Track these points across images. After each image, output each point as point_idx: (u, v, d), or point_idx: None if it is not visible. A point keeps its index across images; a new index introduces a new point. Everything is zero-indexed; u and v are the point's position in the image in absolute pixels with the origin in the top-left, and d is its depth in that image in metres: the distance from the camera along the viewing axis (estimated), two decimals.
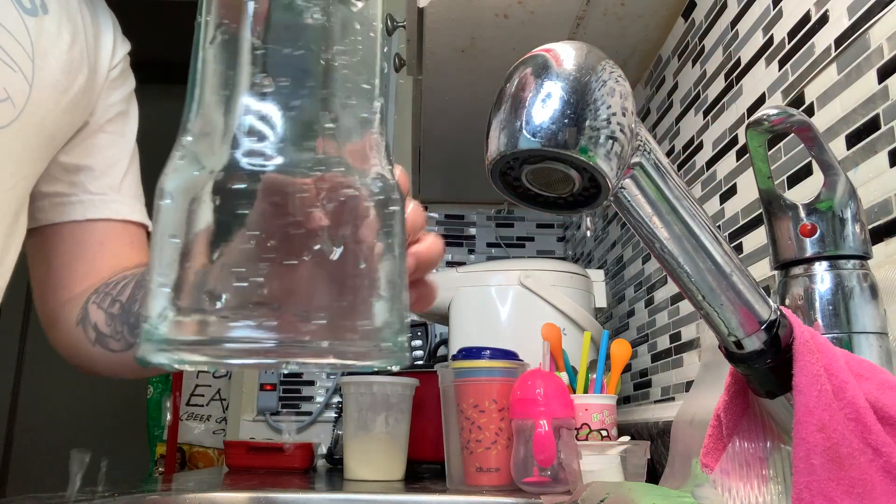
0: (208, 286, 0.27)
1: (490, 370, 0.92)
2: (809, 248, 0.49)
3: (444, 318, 1.20)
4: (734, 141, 0.86)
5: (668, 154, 1.08)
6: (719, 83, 0.90)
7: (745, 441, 0.47)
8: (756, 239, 0.79)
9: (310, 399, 1.87)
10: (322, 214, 0.28)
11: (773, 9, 0.77)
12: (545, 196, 0.39)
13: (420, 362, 1.46)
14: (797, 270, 0.49)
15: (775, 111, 0.49)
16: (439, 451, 0.98)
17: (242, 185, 0.27)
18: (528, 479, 0.83)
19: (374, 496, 0.85)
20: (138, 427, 2.71)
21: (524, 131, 0.34)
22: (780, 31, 0.75)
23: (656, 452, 0.89)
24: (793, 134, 0.51)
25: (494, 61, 1.17)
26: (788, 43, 0.73)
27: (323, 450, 1.39)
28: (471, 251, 2.01)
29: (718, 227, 0.83)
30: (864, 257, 0.48)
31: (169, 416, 2.40)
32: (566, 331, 1.05)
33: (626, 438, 0.83)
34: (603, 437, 0.87)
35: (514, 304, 1.11)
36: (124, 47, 0.75)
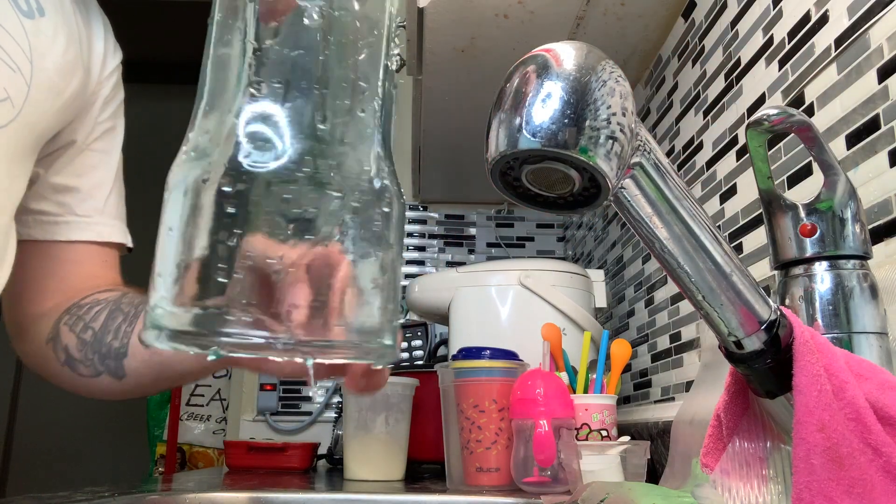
0: (208, 279, 0.28)
1: (490, 370, 0.92)
2: (809, 248, 0.49)
3: (444, 318, 1.20)
4: (734, 141, 0.86)
5: (668, 154, 1.08)
6: (719, 83, 0.90)
7: (745, 441, 0.47)
8: (756, 239, 0.79)
9: (310, 399, 1.87)
10: (319, 215, 0.28)
11: (773, 9, 0.77)
12: (545, 196, 0.39)
13: (420, 362, 1.46)
14: (797, 270, 0.49)
15: (775, 111, 0.49)
16: (439, 451, 0.98)
17: (245, 183, 0.28)
18: (528, 479, 0.83)
19: (374, 496, 0.85)
20: (138, 427, 2.71)
21: (524, 131, 0.34)
22: (780, 31, 0.75)
23: (656, 452, 0.89)
24: (793, 134, 0.51)
25: (494, 61, 1.17)
26: (788, 43, 0.73)
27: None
28: (471, 251, 2.01)
29: (718, 227, 0.83)
30: (864, 257, 0.48)
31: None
32: (566, 331, 1.05)
33: (626, 438, 0.83)
34: (603, 437, 0.87)
35: (514, 304, 1.11)
36: (116, 56, 0.75)
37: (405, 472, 1.06)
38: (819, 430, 0.40)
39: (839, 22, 0.64)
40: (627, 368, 1.23)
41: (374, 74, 0.32)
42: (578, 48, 0.36)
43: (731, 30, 0.87)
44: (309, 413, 1.85)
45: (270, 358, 0.27)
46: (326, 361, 0.28)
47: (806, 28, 0.70)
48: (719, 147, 0.90)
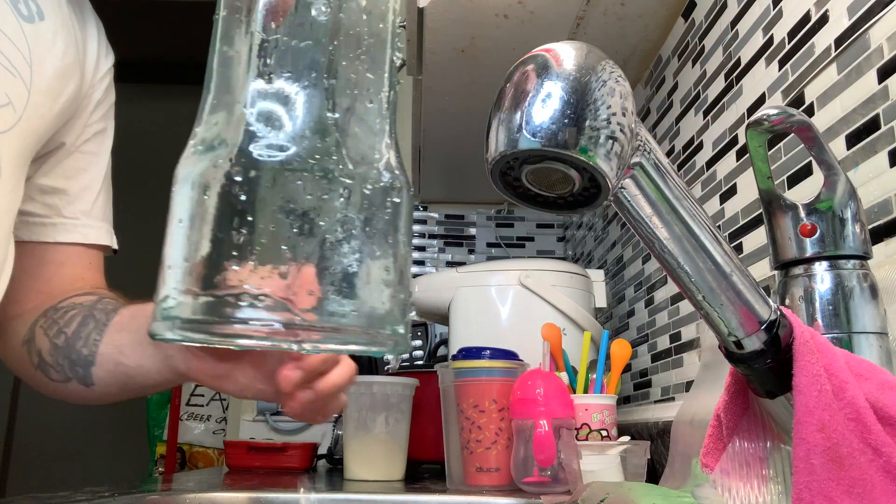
0: (219, 267, 0.28)
1: (490, 370, 0.92)
2: (809, 248, 0.49)
3: (444, 318, 1.20)
4: (734, 141, 0.86)
5: (668, 154, 1.08)
6: (719, 83, 0.90)
7: (745, 441, 0.47)
8: (756, 239, 0.79)
9: None
10: (329, 204, 0.28)
11: (773, 9, 0.77)
12: (545, 196, 0.39)
13: (420, 362, 1.46)
14: (797, 270, 0.49)
15: (775, 111, 0.49)
16: (439, 451, 0.98)
17: (252, 175, 0.28)
18: (528, 479, 0.83)
19: (374, 496, 0.85)
20: (138, 427, 2.71)
21: (524, 131, 0.34)
22: (780, 31, 0.75)
23: (656, 452, 0.89)
24: (793, 134, 0.51)
25: (494, 61, 1.17)
26: (788, 43, 0.73)
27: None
28: (471, 251, 2.01)
29: (718, 227, 0.83)
30: (864, 257, 0.48)
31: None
32: (566, 331, 1.05)
33: (626, 438, 0.83)
34: (603, 437, 0.87)
35: (514, 304, 1.11)
36: (109, 59, 0.75)
37: (405, 472, 1.06)
38: (819, 430, 0.40)
39: (839, 22, 0.64)
40: (627, 368, 1.23)
41: (381, 66, 0.32)
42: (578, 48, 0.36)
43: (731, 30, 0.87)
44: None
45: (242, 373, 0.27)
46: (340, 348, 0.28)
47: (806, 28, 0.70)
48: (719, 147, 0.90)
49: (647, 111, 1.20)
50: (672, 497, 0.53)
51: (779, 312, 0.42)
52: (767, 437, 0.46)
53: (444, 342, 1.47)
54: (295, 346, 0.28)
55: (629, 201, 0.39)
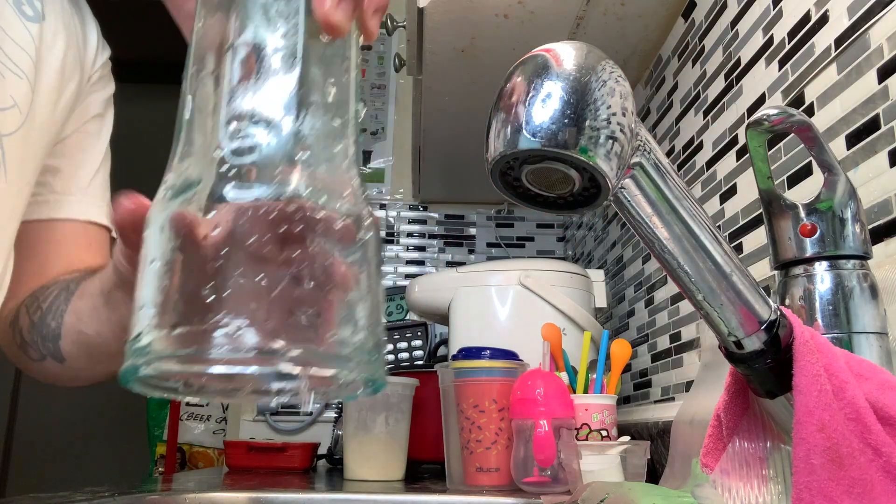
0: (194, 303, 0.28)
1: (490, 370, 0.92)
2: (809, 248, 0.49)
3: (444, 318, 1.20)
4: (734, 141, 0.86)
5: (668, 154, 1.08)
6: (719, 83, 0.90)
7: (745, 441, 0.47)
8: (756, 239, 0.79)
9: None
10: (297, 240, 0.29)
11: (773, 9, 0.77)
12: (545, 196, 0.39)
13: (420, 362, 1.46)
14: (797, 270, 0.49)
15: (775, 111, 0.49)
16: (439, 451, 0.98)
17: (223, 217, 0.28)
18: (528, 479, 0.83)
19: (374, 496, 0.85)
20: (138, 427, 2.71)
21: (524, 131, 0.34)
22: (780, 31, 0.75)
23: (656, 452, 0.89)
24: (793, 134, 0.51)
25: (494, 61, 1.17)
26: (788, 43, 0.73)
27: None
28: (471, 251, 2.01)
29: (718, 227, 0.83)
30: (864, 257, 0.48)
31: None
32: (566, 331, 1.05)
33: (626, 438, 0.83)
34: (603, 437, 0.87)
35: (514, 304, 1.11)
36: (105, 53, 0.75)
37: (405, 472, 1.06)
38: (819, 430, 0.40)
39: (839, 22, 0.64)
40: (627, 368, 1.23)
41: (346, 107, 0.33)
42: (578, 48, 0.36)
43: (731, 30, 0.87)
44: (309, 413, 1.85)
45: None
46: (318, 374, 0.29)
47: (806, 28, 0.70)
48: (719, 147, 0.90)
49: (647, 111, 1.20)
50: (672, 497, 0.53)
51: (779, 312, 0.42)
52: (767, 437, 0.46)
53: (444, 342, 1.47)
54: (273, 371, 0.28)
55: (629, 201, 0.39)
